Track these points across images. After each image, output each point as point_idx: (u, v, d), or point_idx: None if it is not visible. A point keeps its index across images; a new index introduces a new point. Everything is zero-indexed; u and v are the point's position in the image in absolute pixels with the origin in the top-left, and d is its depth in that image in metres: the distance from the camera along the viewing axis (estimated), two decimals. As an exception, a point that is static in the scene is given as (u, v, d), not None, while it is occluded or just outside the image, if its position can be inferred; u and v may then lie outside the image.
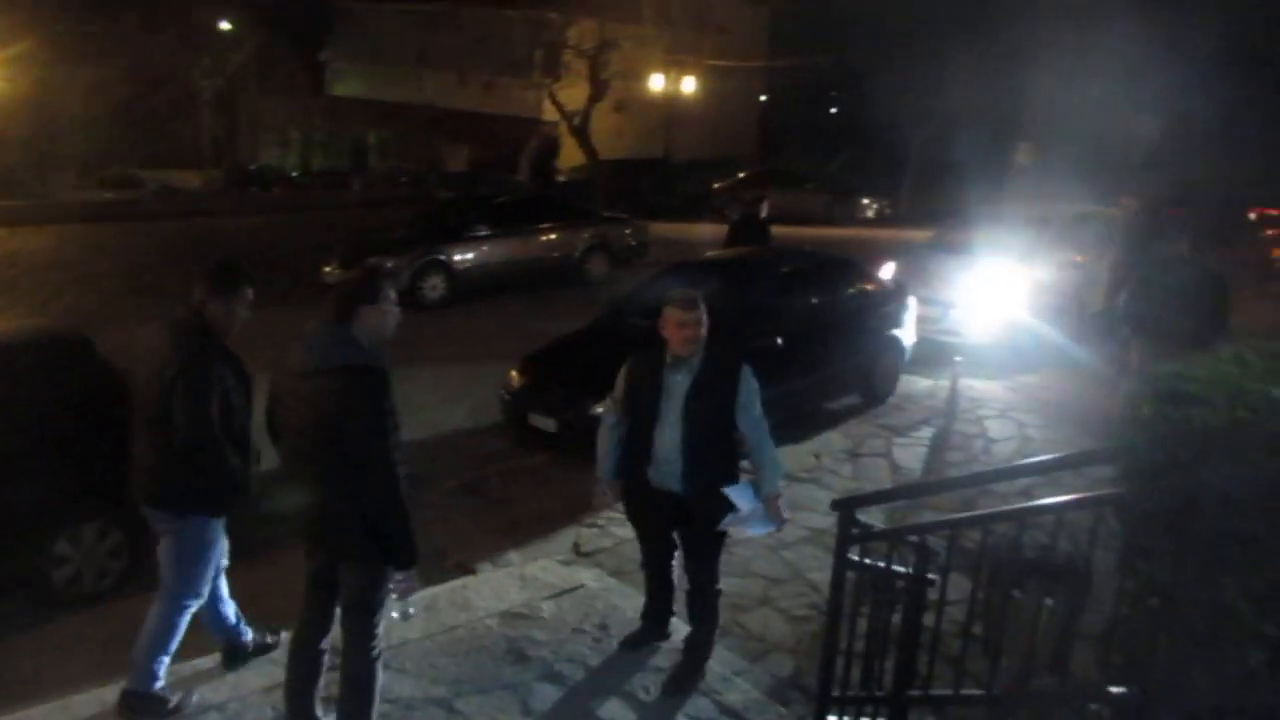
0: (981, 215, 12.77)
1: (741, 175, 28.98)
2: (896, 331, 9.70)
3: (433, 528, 6.09)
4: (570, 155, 31.49)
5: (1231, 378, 3.14)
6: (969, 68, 24.44)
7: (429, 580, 5.32)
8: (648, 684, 4.64)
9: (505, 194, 19.17)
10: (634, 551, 5.07)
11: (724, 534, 4.57)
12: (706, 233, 17.94)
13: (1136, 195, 13.65)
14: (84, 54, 27.49)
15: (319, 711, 3.98)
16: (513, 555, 6.16)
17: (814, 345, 8.54)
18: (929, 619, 3.94)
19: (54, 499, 5.50)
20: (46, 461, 5.49)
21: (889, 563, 4.01)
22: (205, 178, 34.45)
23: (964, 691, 3.93)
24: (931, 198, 25.70)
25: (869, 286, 9.84)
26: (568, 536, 6.46)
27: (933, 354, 10.37)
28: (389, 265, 13.26)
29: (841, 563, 4.11)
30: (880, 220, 27.40)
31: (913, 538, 4.10)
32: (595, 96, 28.63)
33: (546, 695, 4.52)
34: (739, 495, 4.39)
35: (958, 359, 9.59)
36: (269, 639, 4.66)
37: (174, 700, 4.24)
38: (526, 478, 7.59)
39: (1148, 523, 3.11)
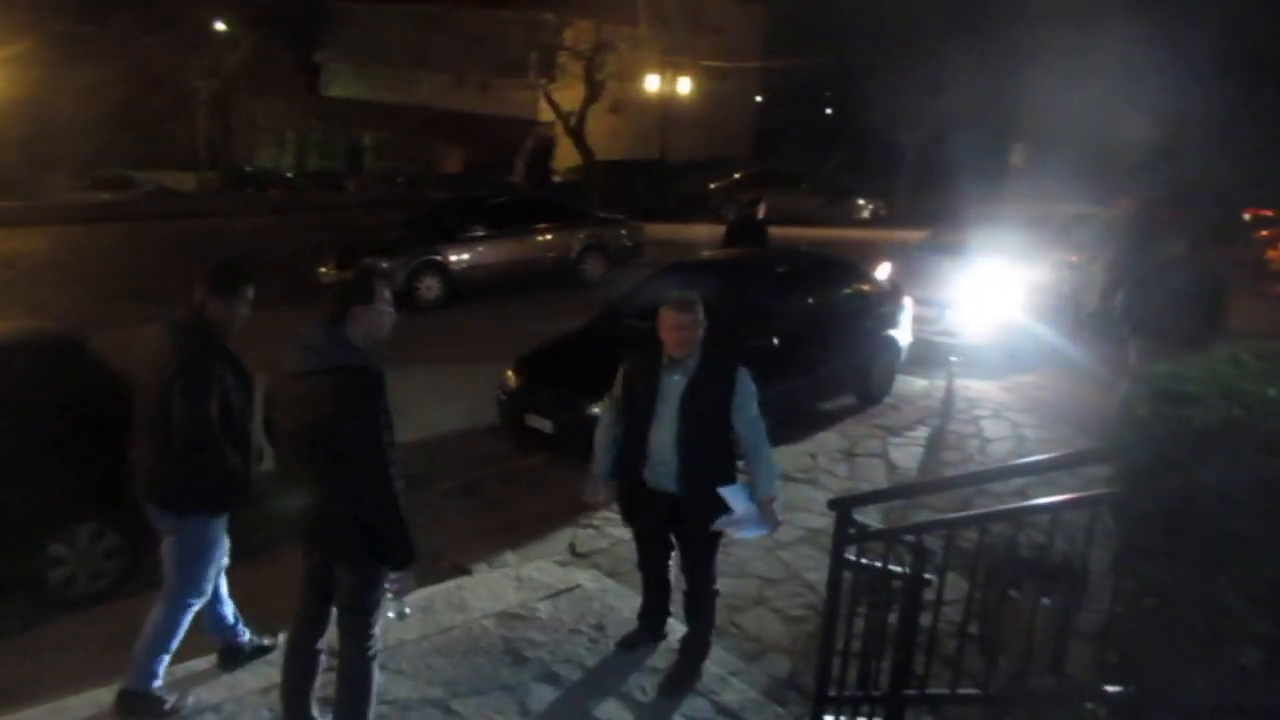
0: (977, 216, 12.78)
1: (737, 176, 29.00)
2: (892, 332, 9.71)
3: (429, 529, 6.10)
4: (566, 156, 31.50)
5: (1227, 377, 3.14)
6: (965, 68, 24.46)
7: (425, 581, 5.32)
8: (644, 684, 4.64)
9: (501, 195, 19.14)
10: (630, 552, 5.07)
11: (720, 534, 4.58)
12: (702, 233, 17.96)
13: (1133, 196, 13.67)
14: (80, 55, 27.42)
15: (315, 712, 3.98)
16: (509, 556, 6.16)
17: (810, 346, 8.54)
18: (926, 619, 3.95)
19: (49, 500, 5.49)
20: (42, 463, 5.47)
21: (885, 562, 4.01)
22: (201, 179, 34.42)
23: (961, 691, 3.94)
24: (927, 198, 25.70)
25: (865, 287, 9.84)
26: (564, 537, 6.45)
27: (928, 354, 10.38)
28: (384, 266, 13.19)
29: (838, 562, 4.12)
30: (875, 221, 27.42)
31: (909, 537, 4.11)
32: (591, 97, 28.62)
33: (543, 696, 4.51)
34: (734, 496, 4.39)
35: (953, 359, 9.61)
36: (266, 641, 4.66)
37: (170, 701, 4.24)
38: (523, 479, 7.59)
39: (1144, 522, 3.11)
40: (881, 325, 9.62)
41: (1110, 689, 3.48)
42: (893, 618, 3.99)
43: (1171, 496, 2.96)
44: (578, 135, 28.55)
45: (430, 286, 14.28)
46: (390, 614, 4.01)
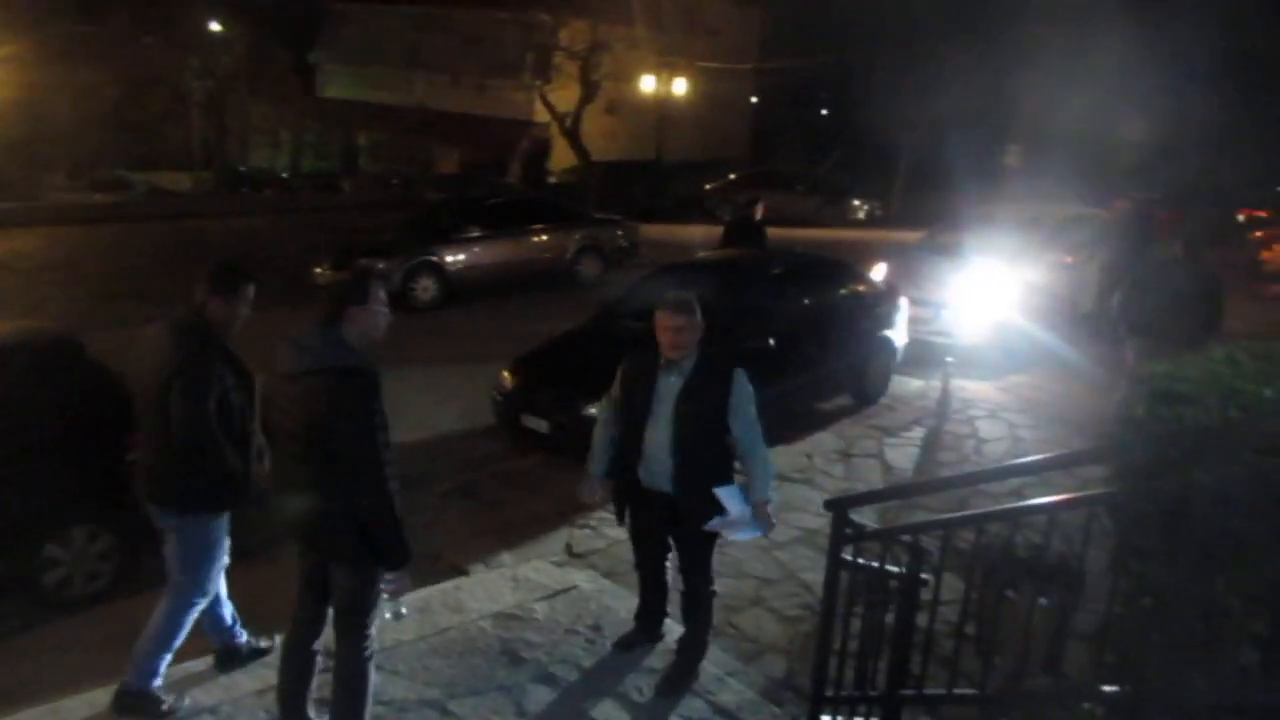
0: (972, 217, 12.80)
1: (733, 177, 29.04)
2: (888, 332, 9.71)
3: (426, 529, 6.09)
4: (562, 157, 31.52)
5: (1223, 378, 3.15)
6: (961, 69, 24.49)
7: (422, 582, 5.31)
8: (641, 685, 4.63)
9: (497, 196, 19.14)
10: (627, 552, 5.07)
11: (716, 535, 4.57)
12: (698, 234, 17.96)
13: (1129, 197, 13.71)
14: (74, 56, 27.38)
15: (312, 713, 3.97)
16: (505, 556, 6.15)
17: (806, 346, 8.54)
18: (922, 619, 3.95)
19: (46, 501, 5.48)
20: (37, 464, 5.46)
21: (882, 563, 4.01)
22: (195, 179, 34.37)
23: (957, 691, 3.94)
24: (922, 199, 25.74)
25: (861, 288, 9.85)
26: (560, 538, 6.45)
27: (924, 355, 10.39)
28: (380, 267, 13.26)
29: (835, 563, 4.12)
30: (871, 221, 27.46)
31: (906, 538, 4.11)
32: (586, 98, 28.67)
33: (540, 697, 4.51)
34: (729, 498, 4.39)
35: (949, 360, 9.61)
36: (263, 643, 4.65)
37: (168, 702, 4.23)
38: (519, 479, 7.59)
39: (1141, 522, 3.12)
40: (877, 326, 9.62)
41: (1107, 689, 3.49)
42: (889, 618, 3.99)
43: (1169, 497, 2.97)
44: (573, 136, 28.58)
45: (426, 287, 14.27)
46: (387, 615, 4.00)
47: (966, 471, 7.40)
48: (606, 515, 5.84)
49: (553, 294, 14.85)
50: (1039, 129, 24.58)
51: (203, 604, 4.32)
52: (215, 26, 34.25)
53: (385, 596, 3.82)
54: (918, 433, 8.70)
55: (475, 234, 15.07)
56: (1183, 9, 19.91)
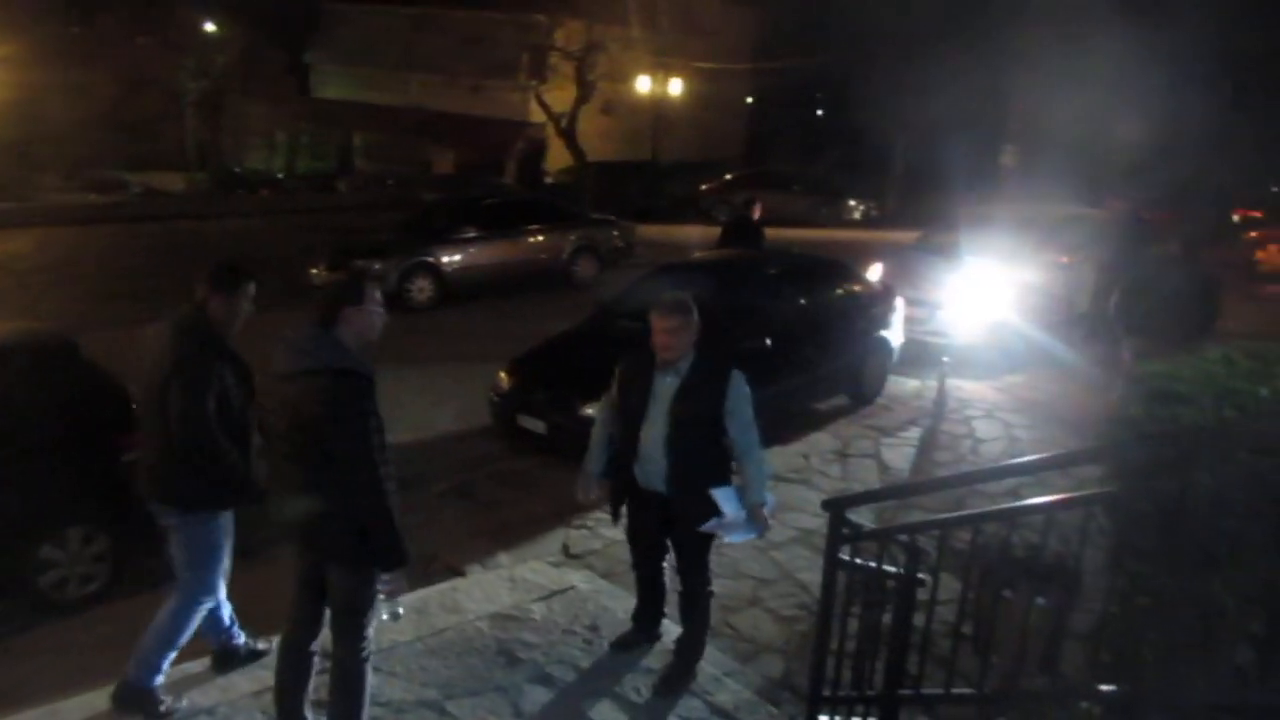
0: (968, 217, 12.80)
1: (728, 177, 29.02)
2: (884, 332, 9.72)
3: (423, 530, 6.09)
4: (558, 157, 31.49)
5: (1219, 378, 3.17)
6: (957, 69, 24.50)
7: (419, 583, 5.32)
8: (639, 685, 4.64)
9: (493, 196, 19.12)
10: (624, 553, 5.07)
11: (712, 536, 4.58)
12: (694, 235, 17.95)
13: (1125, 197, 13.74)
14: (69, 56, 27.34)
15: (309, 715, 3.97)
16: (502, 557, 6.15)
17: (802, 347, 8.55)
18: (919, 618, 3.95)
19: (40, 503, 5.47)
20: (32, 466, 5.44)
21: (879, 562, 4.02)
22: (190, 180, 34.30)
23: (955, 691, 3.94)
24: (918, 199, 25.78)
25: (857, 288, 9.86)
26: (557, 538, 6.45)
27: (920, 355, 10.40)
28: (376, 268, 13.25)
29: (832, 563, 4.12)
30: (867, 222, 27.47)
31: (903, 537, 4.11)
32: (582, 99, 28.63)
33: (537, 697, 4.51)
34: (724, 499, 4.39)
35: (945, 360, 9.63)
36: (260, 645, 4.65)
37: (166, 703, 4.24)
38: (516, 480, 7.58)
39: (1138, 522, 3.13)
40: (873, 326, 9.63)
41: (1104, 688, 3.49)
42: (887, 618, 3.99)
43: (1165, 496, 2.98)
44: (569, 136, 28.55)
45: (422, 288, 14.26)
46: (384, 615, 4.00)
47: (963, 471, 7.42)
48: (603, 516, 5.86)
49: (549, 294, 14.84)
50: (1035, 129, 24.60)
51: (209, 603, 4.34)
52: (210, 27, 34.19)
53: (382, 597, 3.82)
54: (914, 433, 8.71)
55: (471, 234, 15.05)
56: (1179, 10, 19.94)
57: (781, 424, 7.98)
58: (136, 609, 5.23)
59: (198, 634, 4.41)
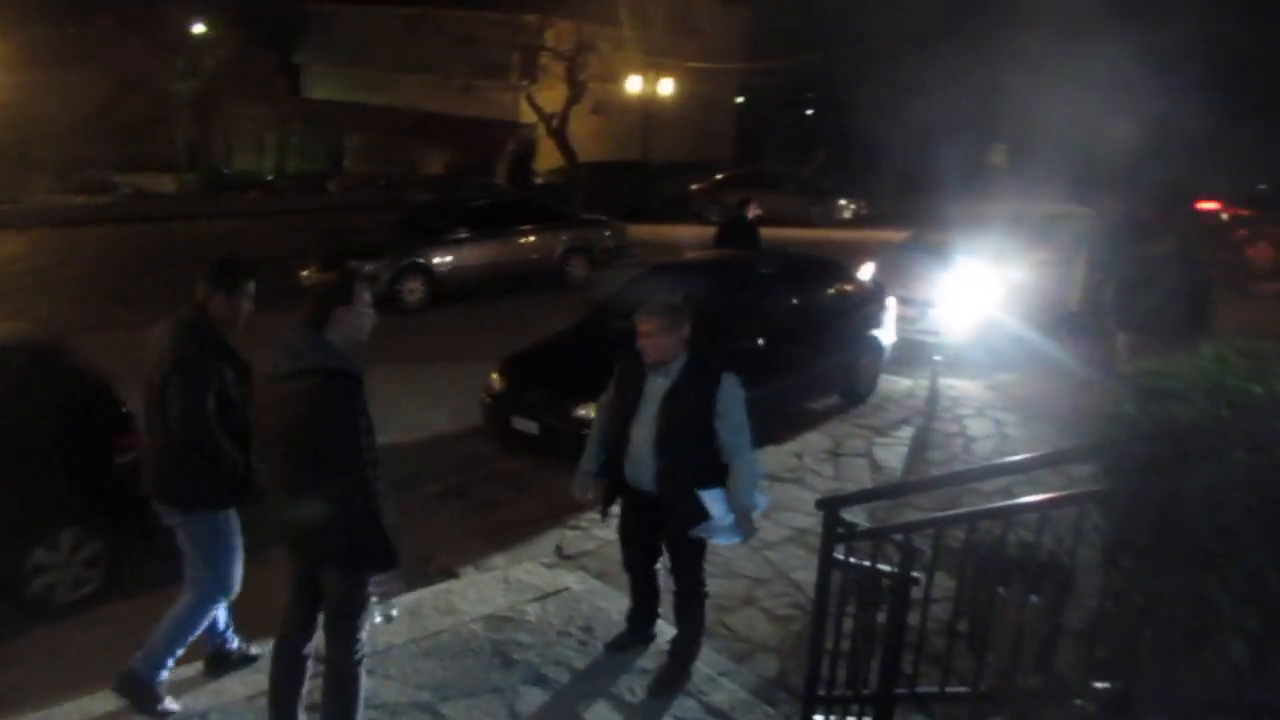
0: (958, 215, 12.83)
1: (720, 177, 29.01)
2: (876, 331, 9.74)
3: (416, 532, 6.09)
4: (548, 158, 31.46)
5: (1212, 375, 3.17)
6: (947, 68, 24.56)
7: (413, 584, 5.31)
8: (634, 686, 4.64)
9: (484, 197, 19.09)
10: (617, 554, 5.07)
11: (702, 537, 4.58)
12: (686, 235, 17.96)
13: (1117, 196, 13.78)
14: (58, 58, 27.18)
15: (303, 718, 3.95)
16: (497, 558, 6.13)
17: (795, 346, 8.55)
18: (914, 617, 3.96)
19: (30, 508, 5.43)
20: (22, 470, 5.41)
21: (874, 561, 4.02)
22: (180, 182, 34.16)
23: (950, 689, 3.95)
24: (908, 198, 25.79)
25: (848, 287, 9.87)
26: (551, 539, 6.44)
27: (912, 354, 10.42)
28: (368, 269, 13.23)
29: (827, 562, 4.12)
30: (857, 221, 27.48)
31: (897, 536, 4.11)
32: (573, 99, 28.63)
33: (533, 698, 4.51)
34: (712, 501, 4.39)
35: (936, 358, 9.64)
36: (254, 650, 4.64)
37: (164, 703, 4.22)
38: (509, 481, 7.57)
39: (1132, 519, 3.14)
40: (865, 325, 9.65)
41: (1099, 685, 3.50)
42: (882, 617, 3.99)
43: (1160, 494, 2.98)
44: (560, 136, 28.55)
45: (414, 289, 14.23)
46: (377, 618, 3.99)
47: (955, 469, 7.43)
48: (597, 517, 5.86)
49: (541, 295, 14.82)
50: (1025, 129, 24.67)
51: (223, 602, 4.36)
52: (199, 28, 34.06)
53: (375, 599, 3.81)
54: (906, 431, 8.73)
55: (463, 235, 15.03)
56: (1169, 11, 20.03)
57: (775, 423, 7.98)
58: (131, 612, 5.22)
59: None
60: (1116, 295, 7.85)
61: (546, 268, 15.90)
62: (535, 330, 9.28)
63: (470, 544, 6.37)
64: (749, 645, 5.24)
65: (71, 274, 16.06)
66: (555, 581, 5.69)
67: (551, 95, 28.96)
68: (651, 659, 4.83)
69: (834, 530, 4.10)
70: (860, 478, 7.64)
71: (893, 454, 8.19)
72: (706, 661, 4.85)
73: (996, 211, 12.60)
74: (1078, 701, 3.60)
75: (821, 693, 4.18)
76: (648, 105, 29.97)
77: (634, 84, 29.84)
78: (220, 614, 4.52)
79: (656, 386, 4.44)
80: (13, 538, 5.36)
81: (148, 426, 4.25)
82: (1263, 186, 24.88)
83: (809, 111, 43.46)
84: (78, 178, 28.68)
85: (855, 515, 4.46)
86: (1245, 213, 20.91)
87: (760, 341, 7.99)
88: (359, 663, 3.80)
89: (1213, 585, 2.86)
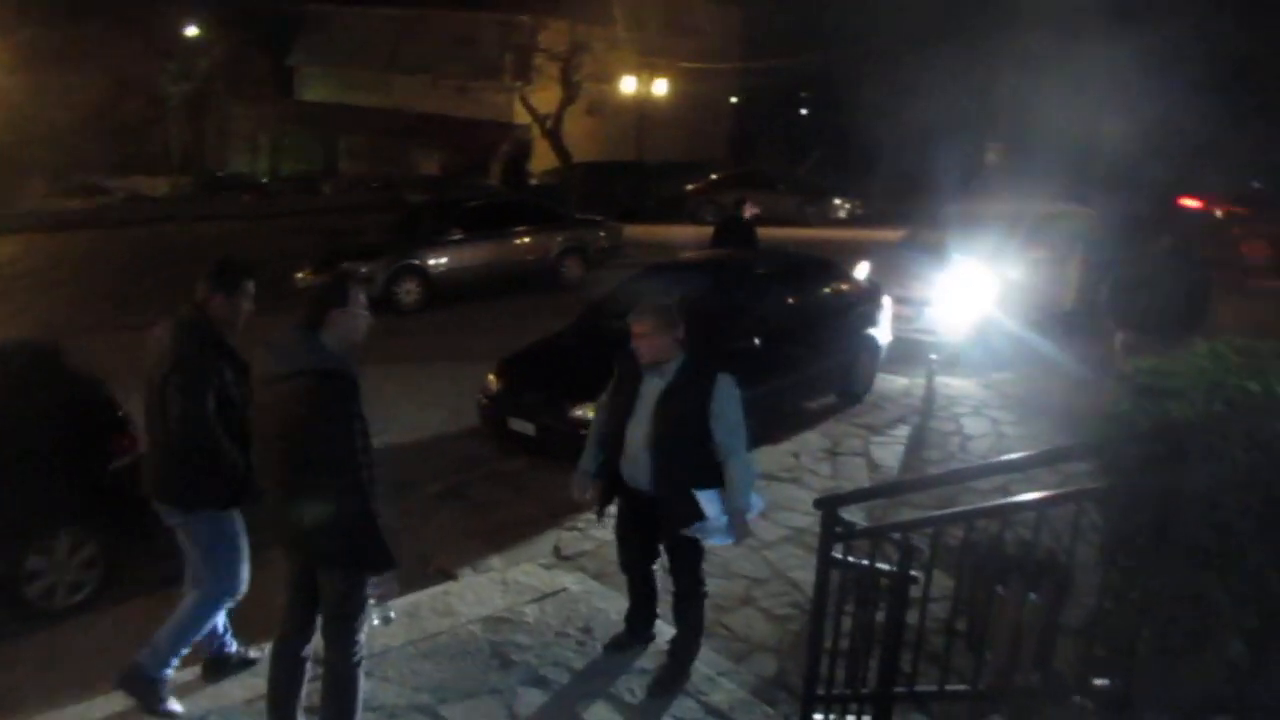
0: (954, 214, 12.83)
1: (715, 177, 29.01)
2: (872, 331, 9.73)
3: (414, 533, 6.08)
4: (543, 158, 31.47)
5: (1208, 372, 3.17)
6: (943, 68, 24.58)
7: (411, 586, 5.30)
8: (633, 686, 4.63)
9: (479, 198, 19.09)
10: (615, 554, 5.06)
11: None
12: (681, 235, 17.95)
13: (1114, 194, 13.79)
14: (51, 60, 27.16)
15: (302, 721, 3.95)
16: (494, 560, 6.13)
17: (791, 345, 8.54)
18: (913, 616, 3.96)
19: (26, 511, 5.41)
20: (17, 473, 5.39)
21: (872, 560, 4.02)
22: (174, 184, 34.13)
23: (949, 688, 3.95)
24: (904, 197, 25.80)
25: (845, 286, 9.87)
26: (549, 540, 6.43)
27: (908, 353, 10.41)
28: (363, 270, 13.22)
29: (825, 561, 4.12)
30: (852, 220, 27.49)
31: (896, 535, 4.12)
32: (567, 99, 28.62)
33: (531, 700, 4.50)
34: (707, 502, 4.39)
35: (933, 357, 9.64)
36: (252, 654, 4.63)
37: (165, 704, 4.21)
38: (507, 482, 7.56)
39: (1129, 517, 3.14)
40: (861, 324, 9.64)
41: (1098, 683, 3.50)
42: (880, 616, 3.99)
43: (1157, 492, 2.98)
44: (554, 137, 28.54)
45: (409, 290, 14.22)
46: (375, 620, 3.99)
47: (952, 468, 7.43)
48: (594, 517, 5.85)
49: (536, 295, 14.82)
50: (1021, 128, 24.69)
51: (229, 602, 4.35)
52: (193, 30, 34.01)
53: (373, 601, 3.81)
54: (903, 430, 8.72)
55: (458, 236, 15.03)
56: (1164, 11, 20.06)
57: (771, 423, 7.98)
58: (132, 613, 5.21)
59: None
60: (1114, 294, 7.85)
61: (542, 268, 15.90)
62: (531, 331, 9.27)
63: (468, 545, 6.36)
64: (748, 645, 5.24)
65: (65, 277, 16.05)
66: (553, 582, 5.69)
67: (546, 96, 28.96)
68: (650, 659, 4.83)
69: (832, 529, 4.10)
70: (858, 477, 7.63)
71: (890, 453, 8.19)
72: (705, 661, 4.85)
73: (993, 211, 12.61)
74: (1076, 699, 3.60)
75: (820, 692, 4.18)
76: (642, 105, 29.99)
77: (628, 84, 29.85)
78: (219, 617, 4.52)
79: (652, 387, 4.45)
80: (10, 540, 5.35)
81: (148, 427, 4.26)
82: (1256, 184, 24.92)
83: (804, 111, 43.47)
84: (73, 181, 28.64)
85: (853, 514, 4.46)
86: (1239, 210, 20.92)
87: (756, 341, 7.99)
88: (358, 665, 3.79)
89: (1211, 583, 2.87)
